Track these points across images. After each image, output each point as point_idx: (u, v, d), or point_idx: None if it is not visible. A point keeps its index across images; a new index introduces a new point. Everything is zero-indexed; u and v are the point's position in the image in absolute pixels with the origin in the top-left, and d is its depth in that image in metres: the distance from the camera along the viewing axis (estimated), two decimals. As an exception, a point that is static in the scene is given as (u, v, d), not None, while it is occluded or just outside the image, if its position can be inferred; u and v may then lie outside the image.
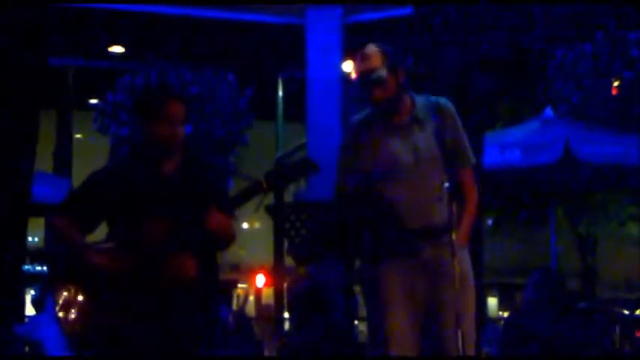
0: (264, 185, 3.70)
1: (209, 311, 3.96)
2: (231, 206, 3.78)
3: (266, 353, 6.78)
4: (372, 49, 4.04)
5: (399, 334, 3.93)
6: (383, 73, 3.98)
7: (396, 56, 4.04)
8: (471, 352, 3.90)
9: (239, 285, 16.92)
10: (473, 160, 4.18)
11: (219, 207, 3.74)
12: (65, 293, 3.82)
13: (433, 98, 4.12)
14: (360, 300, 4.20)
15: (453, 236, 3.60)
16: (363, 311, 4.76)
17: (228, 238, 3.87)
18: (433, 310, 3.93)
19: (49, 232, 4.12)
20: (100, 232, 3.98)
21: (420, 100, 4.07)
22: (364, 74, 4.02)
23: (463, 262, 3.93)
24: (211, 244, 3.86)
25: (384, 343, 3.94)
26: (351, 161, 4.13)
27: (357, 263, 4.05)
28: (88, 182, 4.00)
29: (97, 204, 3.89)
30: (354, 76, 4.08)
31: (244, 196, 3.75)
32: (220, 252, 3.99)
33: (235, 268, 18.71)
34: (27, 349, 8.67)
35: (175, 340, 3.79)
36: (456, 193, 3.93)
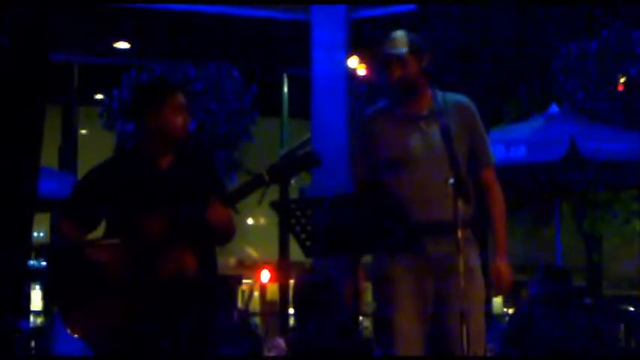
0: (266, 178, 3.70)
1: (209, 306, 3.96)
2: (233, 199, 3.77)
3: (269, 348, 6.76)
4: (398, 32, 4.07)
5: (406, 330, 3.93)
6: (404, 50, 3.99)
7: (421, 43, 4.05)
8: (480, 349, 3.90)
9: (244, 281, 16.92)
10: (494, 159, 4.19)
11: (220, 200, 3.74)
12: (66, 291, 3.83)
13: (454, 95, 4.12)
14: (366, 295, 4.21)
15: (459, 233, 3.60)
16: (367, 307, 4.76)
17: (228, 231, 3.87)
18: (440, 307, 3.93)
19: (55, 234, 4.15)
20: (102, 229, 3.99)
21: (441, 95, 4.07)
22: (386, 52, 4.03)
23: (471, 259, 3.93)
24: (211, 237, 3.86)
25: (391, 338, 3.94)
26: (365, 152, 4.14)
27: (366, 259, 4.06)
28: (86, 180, 4.02)
29: (96, 201, 3.90)
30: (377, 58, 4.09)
31: (246, 189, 3.74)
32: (220, 245, 3.99)
33: (240, 263, 18.72)
34: (32, 343, 8.68)
35: (176, 335, 3.79)
36: (476, 193, 3.97)
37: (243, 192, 3.75)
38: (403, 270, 3.96)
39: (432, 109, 4.02)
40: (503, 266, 4.02)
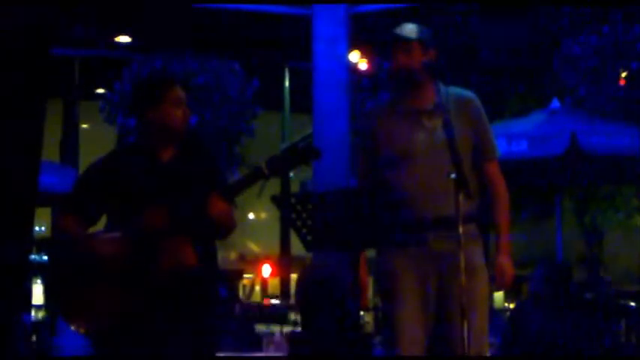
0: (265, 171, 3.69)
1: (210, 300, 3.96)
2: (232, 193, 3.76)
3: (267, 343, 6.78)
4: (407, 24, 4.07)
5: (409, 326, 3.92)
6: (412, 36, 3.99)
7: (430, 36, 4.05)
8: (482, 345, 3.90)
9: (245, 275, 16.92)
10: (498, 153, 4.19)
11: (220, 194, 3.74)
12: (66, 285, 3.82)
13: (458, 90, 4.11)
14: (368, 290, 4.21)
15: (460, 228, 3.59)
16: (369, 302, 4.77)
17: (228, 225, 3.86)
18: (443, 303, 3.93)
19: (55, 229, 4.13)
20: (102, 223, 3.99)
21: (446, 90, 4.05)
22: (394, 35, 4.03)
23: (475, 255, 3.93)
24: (211, 231, 3.85)
25: (394, 334, 3.94)
26: (367, 147, 4.14)
27: (369, 253, 4.06)
28: (87, 174, 4.02)
29: (97, 195, 3.90)
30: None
31: (245, 182, 3.73)
32: (221, 240, 3.99)
33: (241, 258, 18.73)
34: (34, 337, 8.69)
35: (177, 329, 3.79)
36: (480, 187, 3.98)
37: (242, 185, 3.74)
38: (406, 266, 3.95)
39: (437, 104, 4.01)
40: (505, 262, 4.01)
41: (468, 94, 4.14)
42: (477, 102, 4.13)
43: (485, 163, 4.12)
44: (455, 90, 4.10)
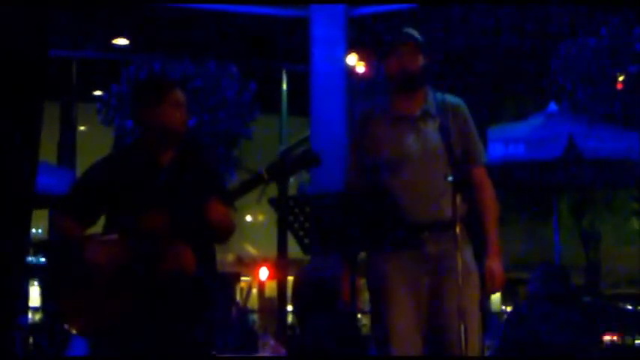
0: (265, 176, 3.70)
1: (208, 302, 3.96)
2: (232, 197, 3.77)
3: (262, 346, 6.78)
4: (407, 28, 4.09)
5: (403, 329, 3.93)
6: (420, 39, 4.03)
7: (426, 43, 4.07)
8: (476, 347, 3.90)
9: (242, 278, 16.89)
10: (484, 158, 4.20)
11: (219, 198, 3.74)
12: (65, 287, 3.82)
13: (446, 96, 4.13)
14: (364, 292, 4.21)
15: (457, 230, 3.60)
16: (364, 304, 4.77)
17: (227, 229, 3.87)
18: (437, 305, 3.93)
19: (52, 230, 4.13)
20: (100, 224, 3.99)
21: (433, 95, 4.08)
22: (399, 39, 4.03)
23: (467, 256, 3.94)
24: (210, 235, 3.86)
25: (388, 337, 3.94)
26: (359, 152, 4.14)
27: (362, 256, 4.06)
28: (86, 176, 4.02)
29: (96, 197, 3.90)
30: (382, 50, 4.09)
31: (245, 188, 3.75)
32: (219, 243, 3.99)
33: (239, 260, 18.70)
34: (31, 340, 8.68)
35: (174, 332, 3.79)
36: (469, 192, 3.99)
37: (242, 190, 3.75)
38: (399, 268, 3.96)
39: (426, 109, 4.04)
40: (495, 266, 4.02)
41: (456, 99, 4.17)
42: (465, 108, 4.16)
43: (473, 167, 4.14)
44: (444, 96, 4.13)
